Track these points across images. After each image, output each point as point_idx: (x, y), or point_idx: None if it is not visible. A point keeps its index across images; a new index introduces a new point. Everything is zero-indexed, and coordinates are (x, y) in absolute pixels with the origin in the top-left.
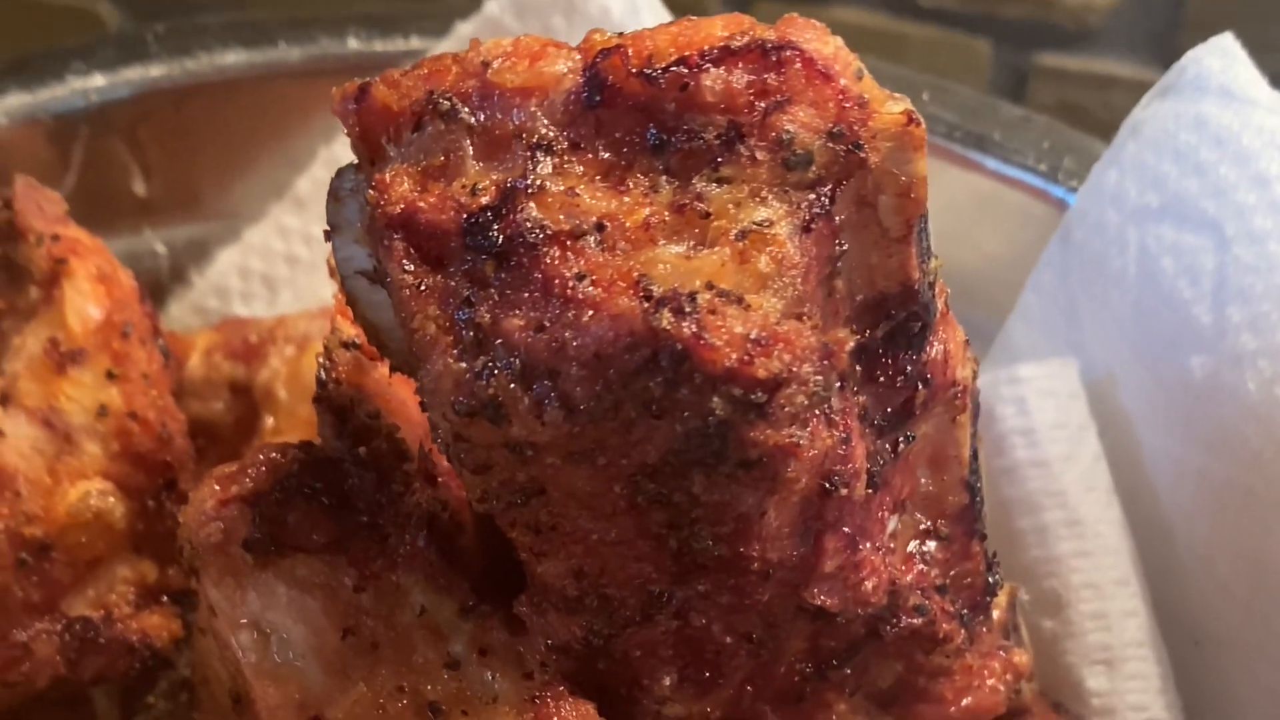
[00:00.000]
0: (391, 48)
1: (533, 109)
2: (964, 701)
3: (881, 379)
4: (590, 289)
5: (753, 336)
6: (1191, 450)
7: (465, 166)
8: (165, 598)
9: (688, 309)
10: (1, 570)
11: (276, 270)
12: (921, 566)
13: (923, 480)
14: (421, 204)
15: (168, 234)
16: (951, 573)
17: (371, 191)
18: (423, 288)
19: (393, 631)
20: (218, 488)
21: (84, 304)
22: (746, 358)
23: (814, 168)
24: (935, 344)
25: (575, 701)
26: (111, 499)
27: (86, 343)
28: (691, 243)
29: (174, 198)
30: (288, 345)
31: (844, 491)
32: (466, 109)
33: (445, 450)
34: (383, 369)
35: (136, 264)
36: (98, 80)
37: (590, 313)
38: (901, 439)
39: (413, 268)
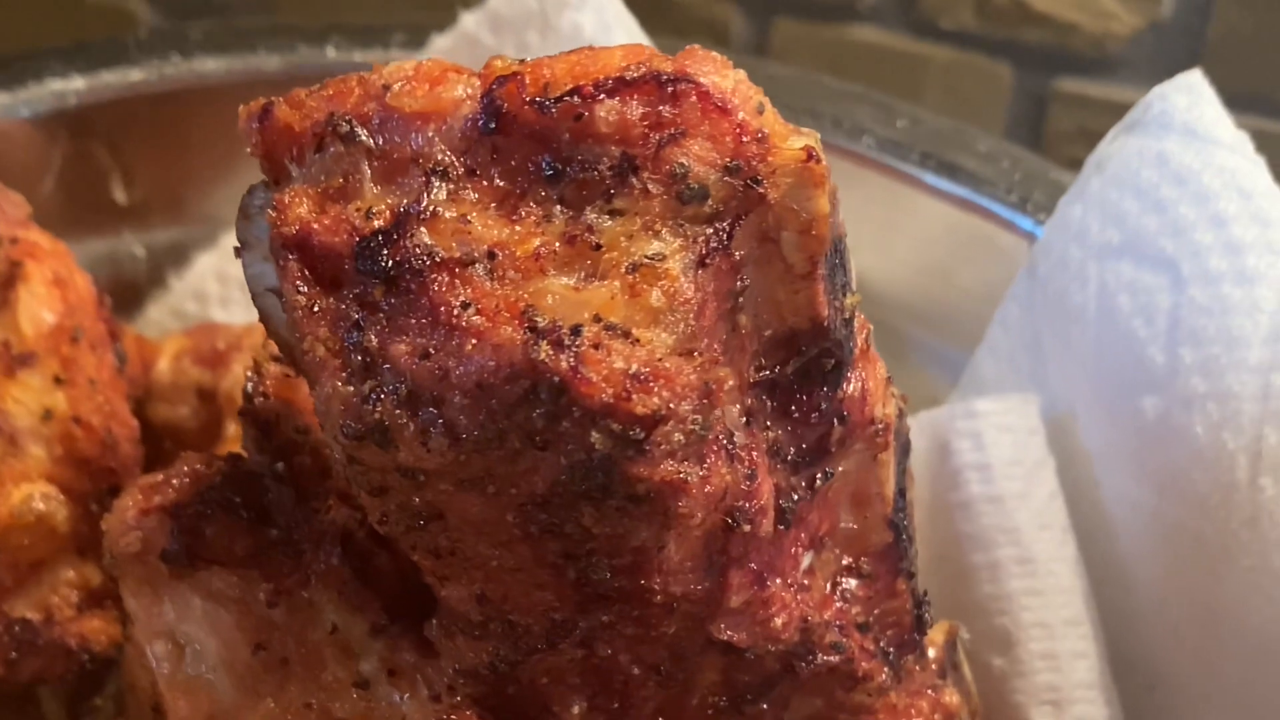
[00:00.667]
0: (370, 58)
1: (430, 134)
2: None
3: (795, 414)
4: (475, 318)
5: (633, 372)
6: (1145, 492)
7: (363, 189)
8: (108, 602)
9: (567, 342)
10: None
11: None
12: (840, 604)
13: (844, 518)
14: (316, 225)
15: (147, 237)
16: (876, 611)
17: (270, 212)
18: (315, 309)
19: (304, 648)
20: (140, 497)
21: (38, 308)
22: (624, 393)
23: (710, 202)
24: (853, 380)
25: None
26: (54, 502)
27: (37, 346)
28: (582, 274)
29: (154, 202)
30: (250, 353)
31: (747, 528)
32: (365, 132)
33: (342, 471)
34: None
35: (116, 267)
36: (77, 83)
37: (473, 341)
38: (819, 475)
39: (306, 289)
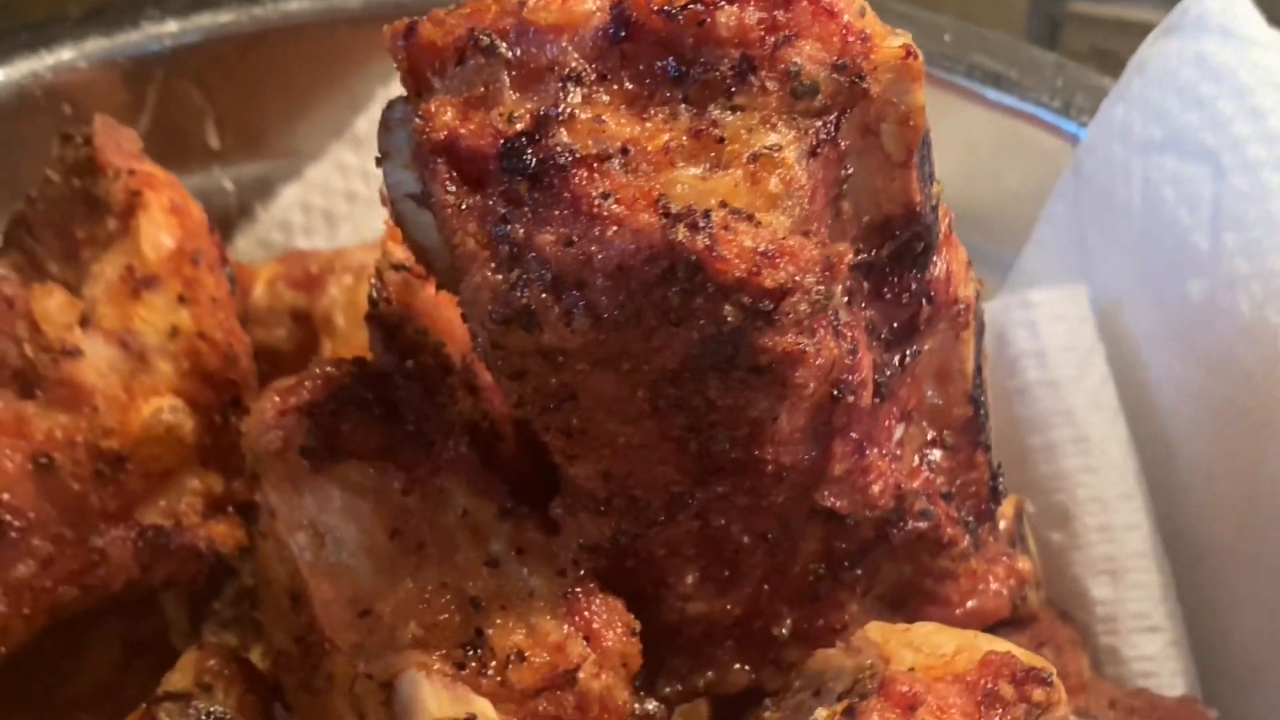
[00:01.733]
0: None
1: (564, 44)
2: (969, 604)
3: (888, 295)
4: (614, 207)
5: (761, 249)
6: (1192, 371)
7: (503, 97)
8: (230, 509)
9: (702, 224)
10: (80, 480)
11: (336, 206)
12: (927, 474)
13: (929, 393)
14: (462, 131)
15: (235, 172)
16: (957, 481)
17: (418, 120)
18: (463, 207)
19: (437, 532)
20: (277, 399)
21: (157, 233)
22: (754, 269)
23: (820, 97)
24: (938, 263)
25: (606, 597)
26: (182, 414)
27: (160, 269)
28: (707, 165)
29: (241, 138)
30: (345, 275)
31: (851, 399)
32: (504, 44)
33: (484, 358)
34: (430, 290)
35: (206, 200)
36: (170, 26)
37: (614, 228)
38: (908, 353)
39: (454, 189)
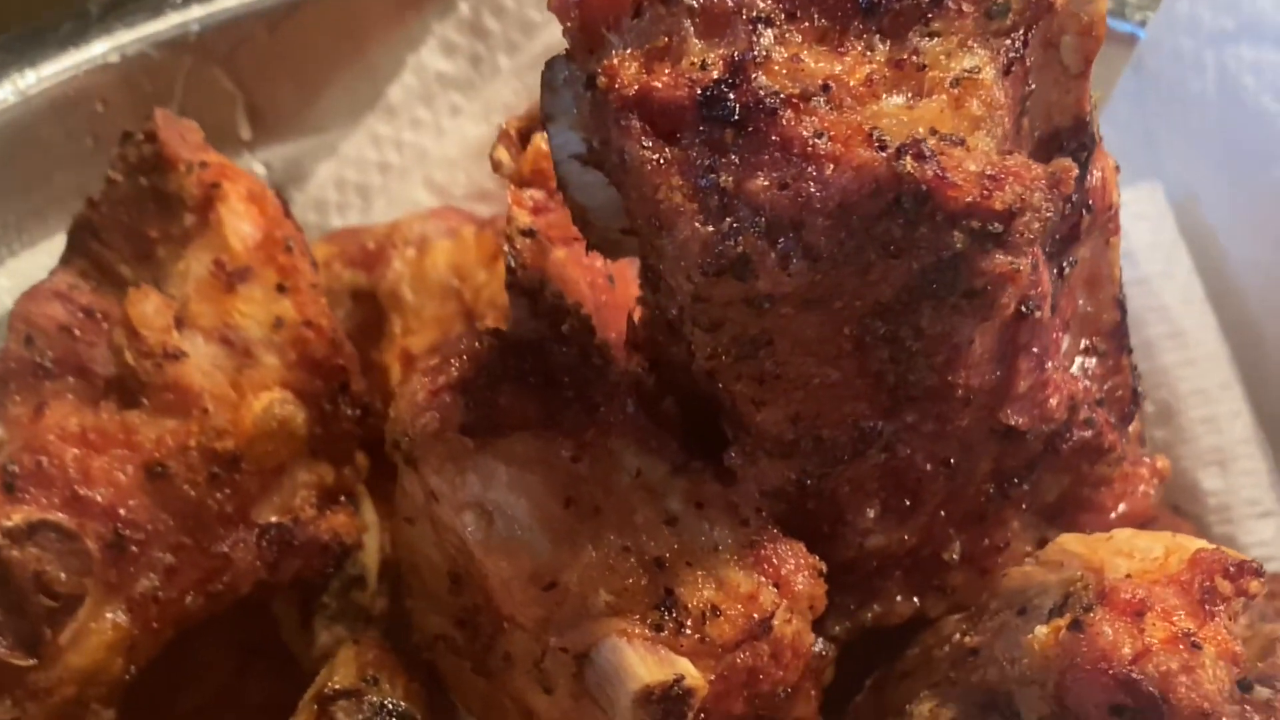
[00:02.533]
0: None
1: None
2: (1120, 508)
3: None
4: (828, 144)
5: (988, 173)
6: (1277, 254)
7: (689, 45)
8: (342, 497)
9: (927, 153)
10: (196, 486)
11: (370, 179)
12: (1085, 383)
13: (1080, 301)
14: (656, 83)
15: (266, 154)
16: (1106, 386)
17: (602, 77)
18: (663, 161)
19: (611, 496)
20: (425, 380)
21: (240, 224)
22: (985, 192)
23: (1010, 14)
24: (1095, 171)
25: (789, 541)
26: (292, 406)
27: (250, 260)
28: (910, 94)
29: (272, 120)
30: (408, 248)
31: (1037, 314)
32: None
33: (677, 313)
34: (558, 252)
35: None
36: (195, 11)
37: (832, 166)
38: (1066, 263)
39: (651, 144)
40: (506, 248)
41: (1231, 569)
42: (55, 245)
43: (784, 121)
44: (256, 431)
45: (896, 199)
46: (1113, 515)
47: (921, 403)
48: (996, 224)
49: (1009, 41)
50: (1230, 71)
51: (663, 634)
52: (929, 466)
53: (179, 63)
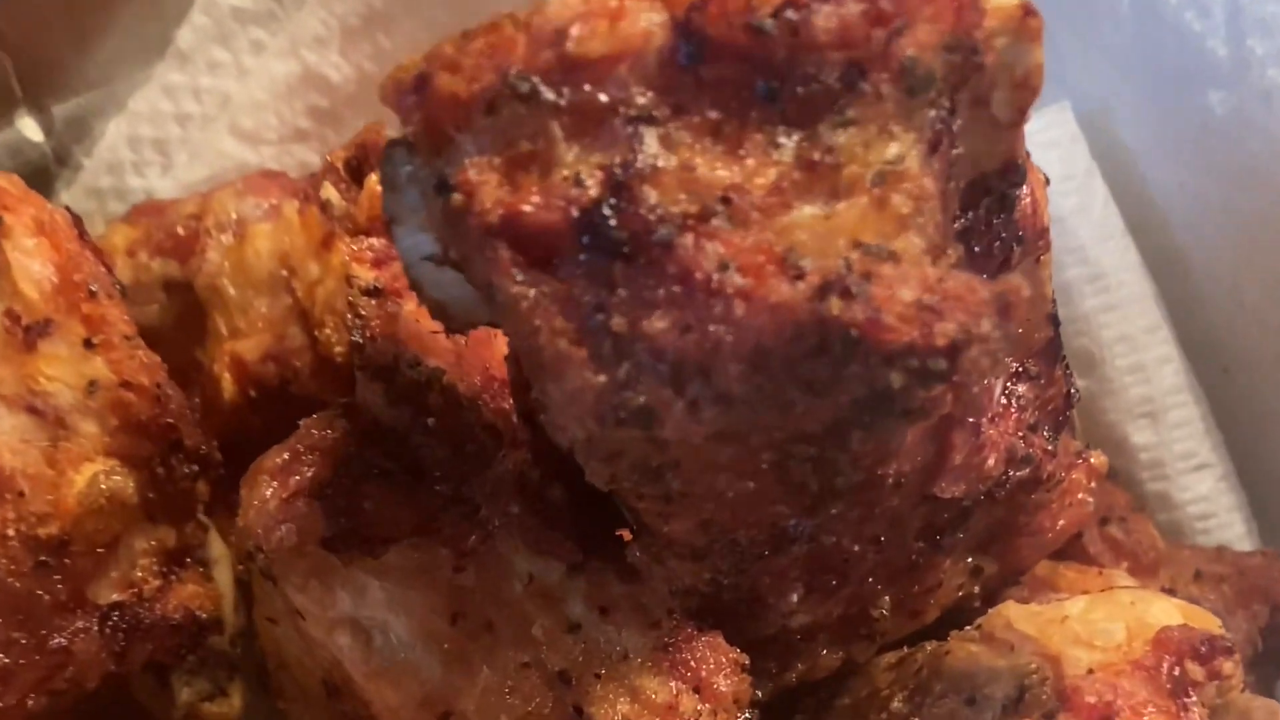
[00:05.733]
0: None
1: (624, 77)
2: (1059, 524)
3: (978, 250)
4: (736, 278)
5: (925, 302)
6: (1213, 184)
7: (558, 153)
8: (188, 560)
9: (854, 289)
10: (21, 578)
11: (168, 132)
12: (1017, 413)
13: None
14: (524, 206)
15: (44, 118)
16: (1038, 403)
17: (457, 195)
18: (541, 299)
19: (504, 607)
20: (275, 484)
21: (30, 264)
22: (925, 329)
23: (935, 87)
24: (1024, 196)
25: (706, 639)
26: (120, 477)
27: (49, 310)
28: (824, 198)
29: (46, 74)
30: (223, 234)
31: (976, 390)
32: (548, 88)
33: (567, 446)
34: (408, 305)
35: (15, 157)
36: None
37: (743, 306)
38: None
39: (524, 277)
40: (349, 316)
41: (1202, 649)
42: None
43: (681, 250)
44: (82, 510)
45: (821, 343)
46: (1050, 535)
47: (847, 496)
48: (939, 361)
49: (933, 114)
50: None
51: None
52: (856, 548)
53: None
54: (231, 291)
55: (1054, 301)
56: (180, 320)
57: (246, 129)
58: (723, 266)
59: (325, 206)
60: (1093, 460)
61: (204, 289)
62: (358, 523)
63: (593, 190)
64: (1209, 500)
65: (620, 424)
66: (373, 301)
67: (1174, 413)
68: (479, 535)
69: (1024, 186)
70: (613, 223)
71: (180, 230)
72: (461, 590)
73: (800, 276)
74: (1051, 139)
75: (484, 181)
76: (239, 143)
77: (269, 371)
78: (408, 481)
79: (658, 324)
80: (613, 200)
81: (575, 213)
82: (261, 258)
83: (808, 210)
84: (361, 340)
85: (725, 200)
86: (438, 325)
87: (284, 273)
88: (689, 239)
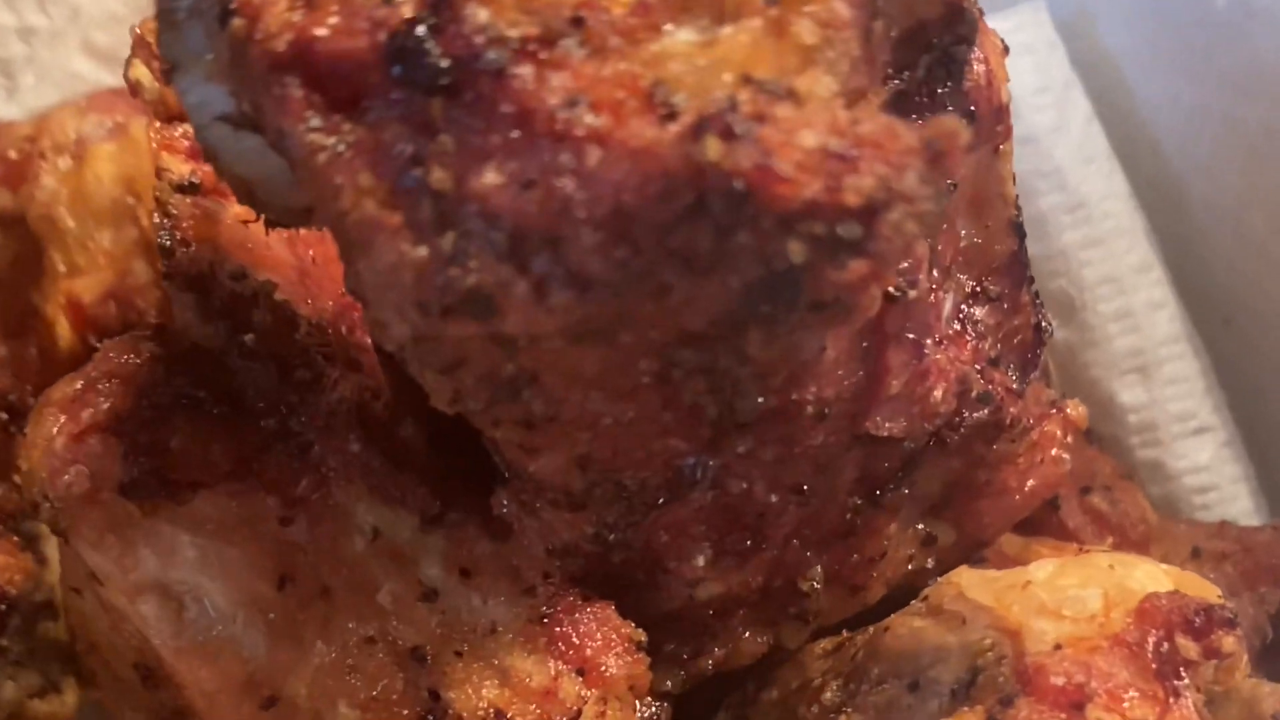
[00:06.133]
0: None
1: None
2: (1028, 485)
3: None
4: (589, 117)
5: (834, 149)
6: (1214, 95)
7: None
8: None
9: (738, 128)
10: None
11: (10, 50)
12: (974, 341)
13: (964, 232)
14: (318, 30)
15: None
16: (1002, 332)
17: (238, 20)
18: (342, 149)
19: (343, 567)
20: (64, 418)
21: None
22: (831, 181)
23: None
24: (975, 64)
25: (592, 608)
26: None
27: None
28: (705, 20)
29: None
30: (60, 157)
31: (912, 294)
32: None
33: (396, 351)
34: (233, 208)
35: None
36: None
37: (598, 152)
38: None
39: (321, 123)
40: (157, 215)
41: (1196, 620)
42: None
43: (518, 83)
44: None
45: (699, 200)
46: (1018, 497)
47: (757, 428)
48: (851, 226)
49: None
50: None
51: None
52: (773, 498)
53: None
54: (69, 223)
55: (1018, 207)
56: (17, 262)
57: (102, 47)
58: (571, 103)
59: (135, 88)
60: (1069, 411)
61: (38, 220)
62: (162, 464)
63: (406, 8)
64: (1210, 470)
65: (448, 313)
66: (187, 199)
67: (1168, 367)
68: (311, 479)
69: (975, 50)
70: (430, 48)
71: (13, 154)
72: (290, 547)
73: (671, 116)
74: (1023, 43)
75: (270, 2)
76: (92, 61)
77: (109, 313)
78: (225, 414)
79: (490, 179)
80: (432, 20)
81: (383, 37)
82: (103, 183)
83: (682, 35)
84: (170, 244)
85: (576, 21)
86: (282, 234)
87: (130, 200)
88: (528, 69)
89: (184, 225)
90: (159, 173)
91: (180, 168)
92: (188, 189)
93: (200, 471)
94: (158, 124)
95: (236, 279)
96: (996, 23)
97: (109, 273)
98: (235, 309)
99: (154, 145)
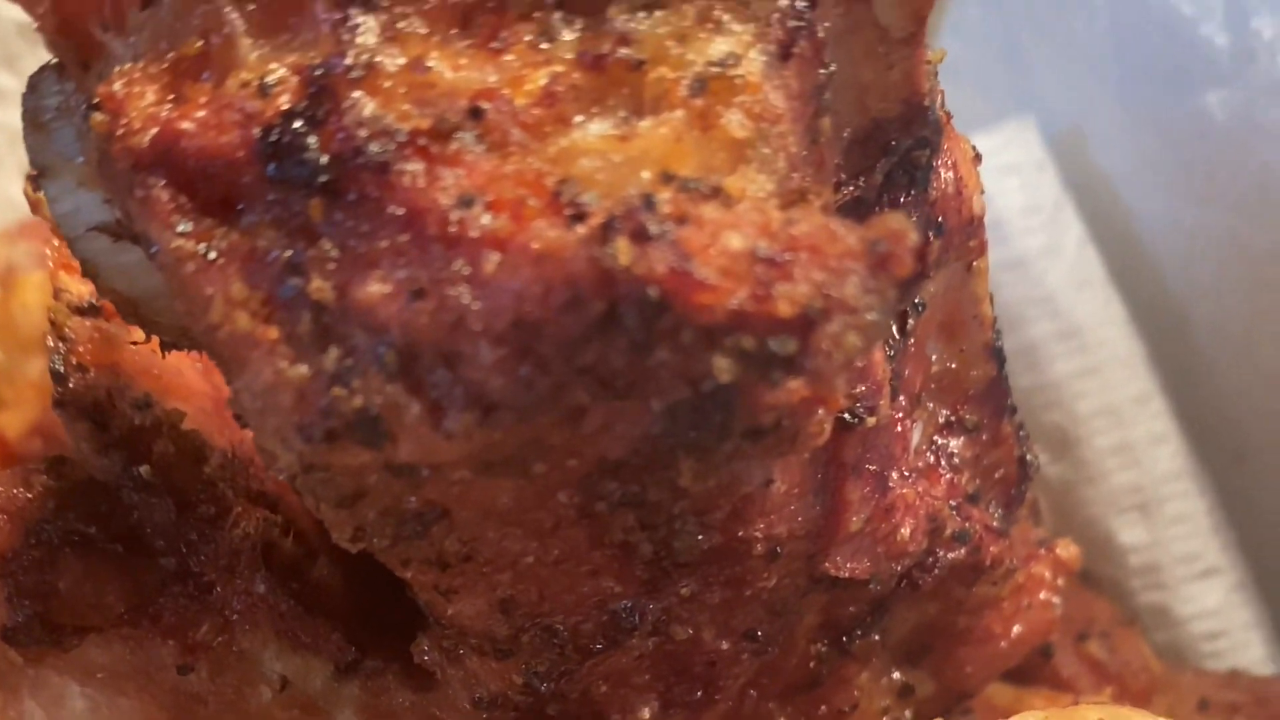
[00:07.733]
0: None
1: None
2: (1014, 631)
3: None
4: (487, 219)
5: (762, 253)
6: (1216, 214)
7: (239, 53)
8: None
9: (653, 229)
10: None
11: None
12: (949, 476)
13: (934, 357)
14: (185, 124)
15: None
16: (982, 465)
17: (98, 115)
18: (213, 256)
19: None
20: None
21: None
22: (760, 290)
23: None
24: (942, 171)
25: None
26: None
27: None
28: (622, 112)
29: None
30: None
31: (871, 421)
32: None
33: (289, 481)
34: (137, 333)
35: None
36: None
37: (496, 257)
38: (909, 310)
39: (190, 227)
40: (51, 343)
41: None
42: None
43: (407, 180)
44: None
45: (610, 310)
46: (1004, 644)
47: (700, 569)
48: (785, 340)
49: (784, 3)
50: None
51: None
52: (724, 644)
53: None
54: None
55: (997, 330)
56: None
57: None
58: (466, 202)
59: (34, 205)
60: (1060, 551)
61: None
62: (48, 607)
63: (282, 100)
64: (1219, 614)
65: (334, 439)
66: (86, 321)
67: (1171, 505)
68: (213, 623)
69: (943, 156)
70: (309, 142)
71: None
72: (189, 698)
73: (580, 217)
74: (1011, 162)
75: (135, 95)
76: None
77: (35, 449)
78: (119, 553)
79: (375, 288)
80: (311, 112)
81: (257, 131)
82: (30, 312)
83: (595, 128)
84: (64, 370)
85: (474, 113)
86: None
87: None
88: (417, 165)
89: (80, 350)
90: (56, 293)
91: (79, 288)
92: (87, 311)
93: (91, 615)
94: (55, 242)
95: (139, 408)
96: (981, 141)
97: (35, 406)
98: (134, 440)
99: (50, 265)
